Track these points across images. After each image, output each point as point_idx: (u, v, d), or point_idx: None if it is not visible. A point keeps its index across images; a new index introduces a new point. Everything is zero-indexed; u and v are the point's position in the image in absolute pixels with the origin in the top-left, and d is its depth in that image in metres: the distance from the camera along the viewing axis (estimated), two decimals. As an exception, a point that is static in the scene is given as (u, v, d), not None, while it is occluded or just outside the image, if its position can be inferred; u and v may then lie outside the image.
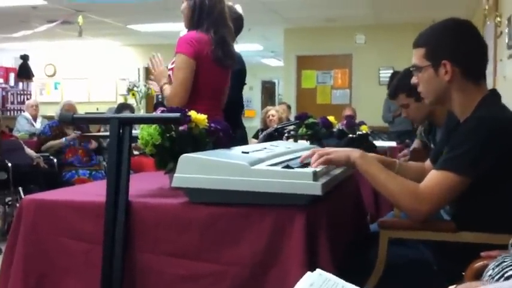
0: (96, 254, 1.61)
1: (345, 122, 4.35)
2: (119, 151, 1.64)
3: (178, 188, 1.60)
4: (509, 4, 5.55)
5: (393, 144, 5.47)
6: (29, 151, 5.92)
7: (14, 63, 12.20)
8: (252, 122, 11.76)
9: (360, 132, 4.19)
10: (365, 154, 1.79)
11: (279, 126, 3.77)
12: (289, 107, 9.02)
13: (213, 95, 2.93)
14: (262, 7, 8.30)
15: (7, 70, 12.07)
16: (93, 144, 6.32)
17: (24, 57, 11.65)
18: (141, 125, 1.81)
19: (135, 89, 8.18)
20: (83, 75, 12.69)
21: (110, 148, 1.67)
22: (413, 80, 1.90)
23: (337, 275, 1.51)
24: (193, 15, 2.90)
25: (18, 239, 1.71)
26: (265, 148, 2.00)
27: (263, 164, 1.63)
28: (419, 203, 1.68)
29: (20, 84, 12.08)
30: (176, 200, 1.64)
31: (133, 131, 1.71)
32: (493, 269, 1.27)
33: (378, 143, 4.97)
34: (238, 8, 3.60)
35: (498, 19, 6.04)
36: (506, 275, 1.22)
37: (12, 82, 12.00)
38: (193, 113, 1.80)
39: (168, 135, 1.76)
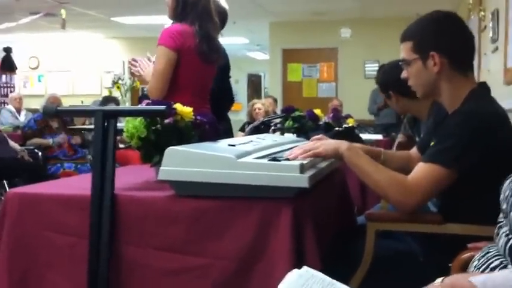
0: (82, 248, 1.60)
1: (331, 115, 4.36)
2: (104, 144, 1.63)
3: (165, 181, 1.58)
4: (493, -2, 5.59)
5: (379, 137, 5.49)
6: (13, 144, 5.86)
7: (-4, 55, 12.08)
8: (238, 116, 11.73)
9: (346, 125, 4.20)
10: (353, 146, 1.79)
11: (265, 119, 3.76)
12: (275, 100, 9.01)
13: (195, 89, 2.90)
14: (248, 1, 8.27)
15: (-11, 62, 11.94)
16: (76, 140, 6.25)
17: (7, 50, 11.53)
18: (126, 118, 1.79)
19: (120, 81, 8.12)
20: (67, 67, 12.59)
21: (95, 141, 1.65)
22: (403, 74, 1.91)
23: (324, 268, 1.51)
24: (177, 7, 2.87)
25: (3, 233, 1.69)
26: (252, 141, 2.00)
27: (250, 156, 1.63)
28: (407, 195, 1.68)
29: (3, 77, 11.95)
30: (162, 193, 1.63)
31: (118, 124, 1.69)
32: (479, 259, 1.28)
33: (364, 136, 4.99)
34: (223, 2, 3.58)
35: (482, 13, 6.08)
36: (491, 266, 1.23)
37: (-5, 75, 11.89)
38: (178, 106, 1.78)
39: (153, 128, 1.74)
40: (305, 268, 1.16)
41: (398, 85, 2.13)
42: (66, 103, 8.31)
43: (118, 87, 8.05)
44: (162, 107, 1.67)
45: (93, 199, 1.60)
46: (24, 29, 9.98)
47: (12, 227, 1.69)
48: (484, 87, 1.88)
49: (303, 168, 1.53)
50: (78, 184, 1.93)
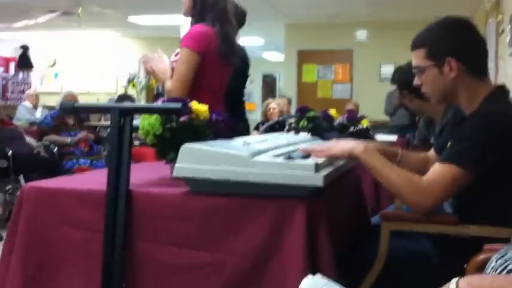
0: (96, 242, 1.61)
1: (346, 115, 4.34)
2: (119, 140, 1.64)
3: (179, 178, 1.59)
4: (511, 2, 5.54)
5: (394, 138, 5.46)
6: (29, 139, 5.91)
7: (14, 53, 12.18)
8: (252, 115, 11.73)
9: (360, 126, 4.18)
10: (368, 147, 1.78)
11: (280, 119, 3.76)
12: (289, 101, 9.00)
13: (216, 90, 2.90)
14: (264, 3, 8.27)
15: (7, 60, 12.05)
16: (90, 137, 6.25)
17: (25, 48, 11.63)
18: (142, 115, 1.80)
19: (135, 80, 8.17)
20: (83, 66, 12.65)
21: (110, 137, 1.66)
22: (416, 81, 1.90)
23: (337, 268, 1.51)
24: (195, 5, 2.86)
25: (19, 227, 1.71)
26: (267, 139, 2.00)
27: (264, 155, 1.63)
28: (423, 196, 1.67)
29: (20, 74, 12.06)
30: (177, 190, 1.63)
31: (134, 121, 1.70)
32: (496, 261, 1.27)
33: (379, 136, 4.96)
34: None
35: (500, 17, 6.03)
36: (509, 268, 1.22)
37: (12, 72, 11.99)
38: (194, 104, 1.79)
39: (168, 125, 1.75)
40: (319, 275, 1.15)
41: (414, 87, 2.12)
42: (82, 101, 8.36)
43: (133, 86, 8.10)
44: (178, 105, 1.68)
45: (109, 195, 1.60)
46: (42, 27, 10.05)
47: (28, 220, 1.70)
48: (502, 90, 1.87)
49: (318, 167, 1.53)
50: (93, 179, 1.94)
